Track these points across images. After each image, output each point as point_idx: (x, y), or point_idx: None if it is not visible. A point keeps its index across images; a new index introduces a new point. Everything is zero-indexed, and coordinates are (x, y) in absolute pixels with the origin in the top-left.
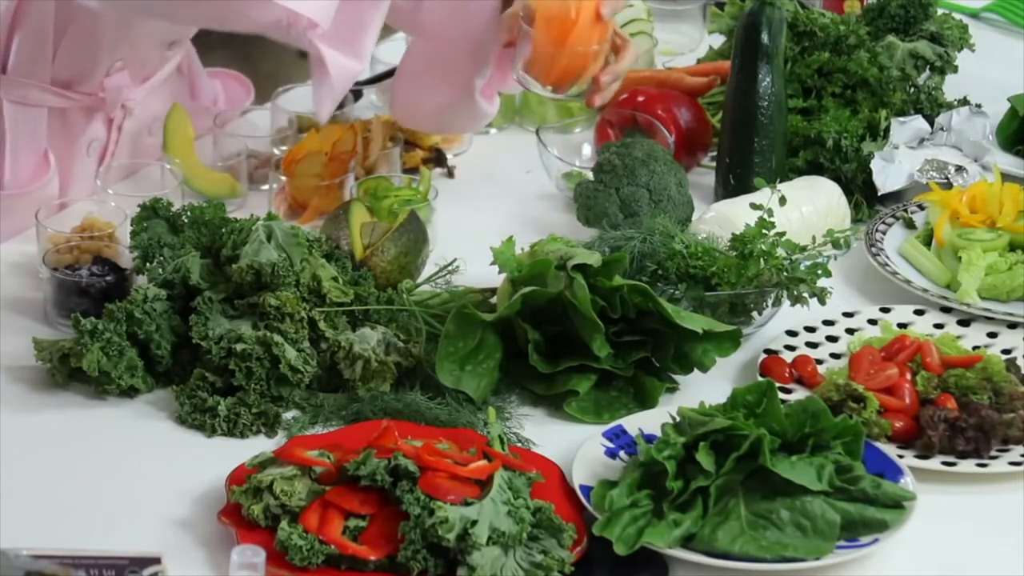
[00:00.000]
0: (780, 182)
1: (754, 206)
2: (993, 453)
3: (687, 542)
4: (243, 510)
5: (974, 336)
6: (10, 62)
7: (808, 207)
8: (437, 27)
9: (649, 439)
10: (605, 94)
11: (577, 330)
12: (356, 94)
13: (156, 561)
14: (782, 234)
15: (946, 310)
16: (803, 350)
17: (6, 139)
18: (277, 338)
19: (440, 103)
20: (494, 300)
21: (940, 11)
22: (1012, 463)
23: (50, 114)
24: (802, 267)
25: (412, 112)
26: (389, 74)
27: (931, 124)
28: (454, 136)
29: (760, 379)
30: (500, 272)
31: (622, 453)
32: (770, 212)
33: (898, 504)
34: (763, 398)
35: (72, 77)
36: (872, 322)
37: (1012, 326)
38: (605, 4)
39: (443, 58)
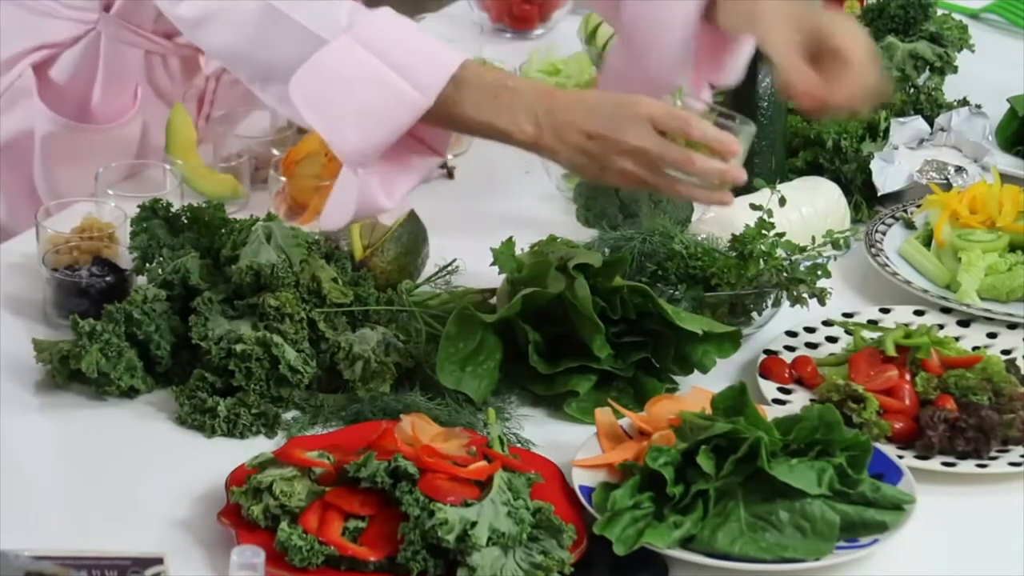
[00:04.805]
0: (780, 182)
1: (754, 207)
2: (993, 454)
3: (687, 543)
4: (243, 511)
5: (974, 337)
6: (115, 5)
7: (808, 208)
8: (633, 30)
9: None
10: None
11: (577, 331)
12: None
13: (158, 561)
14: (782, 235)
15: (946, 311)
16: (803, 351)
17: (98, 74)
18: (277, 339)
19: None
20: (493, 301)
21: (940, 11)
22: (1012, 463)
23: (150, 57)
24: (802, 268)
25: None
26: None
27: (931, 125)
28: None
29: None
30: (500, 273)
31: None
32: (770, 213)
33: (898, 507)
34: (736, 401)
35: (176, 29)
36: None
37: (1012, 326)
38: (693, 127)
39: (641, 60)
